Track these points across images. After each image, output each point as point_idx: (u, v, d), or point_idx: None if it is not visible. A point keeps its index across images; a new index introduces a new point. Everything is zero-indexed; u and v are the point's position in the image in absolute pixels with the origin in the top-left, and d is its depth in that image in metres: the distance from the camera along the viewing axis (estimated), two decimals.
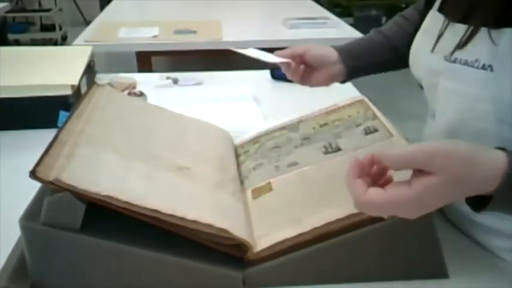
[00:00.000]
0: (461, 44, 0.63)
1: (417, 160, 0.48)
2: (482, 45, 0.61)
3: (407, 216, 0.51)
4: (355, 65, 0.87)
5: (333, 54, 0.86)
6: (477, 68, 0.61)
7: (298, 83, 0.87)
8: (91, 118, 0.68)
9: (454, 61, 0.64)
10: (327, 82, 0.88)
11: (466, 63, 0.62)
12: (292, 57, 0.84)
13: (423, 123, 0.77)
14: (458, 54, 0.63)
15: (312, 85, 0.87)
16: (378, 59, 0.90)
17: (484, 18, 0.61)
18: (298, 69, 0.84)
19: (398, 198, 0.49)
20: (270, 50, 0.87)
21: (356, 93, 1.13)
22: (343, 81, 0.90)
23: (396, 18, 0.94)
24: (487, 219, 0.66)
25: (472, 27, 0.62)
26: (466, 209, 0.68)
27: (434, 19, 0.72)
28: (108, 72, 1.40)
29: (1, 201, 0.78)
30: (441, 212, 0.73)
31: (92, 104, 0.71)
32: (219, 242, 0.57)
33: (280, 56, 0.85)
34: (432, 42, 0.69)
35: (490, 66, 0.59)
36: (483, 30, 0.61)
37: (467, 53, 0.62)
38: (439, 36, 0.69)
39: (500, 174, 0.49)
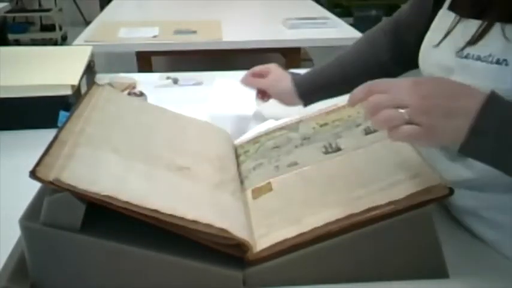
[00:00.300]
0: (474, 40, 0.64)
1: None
2: (494, 40, 0.62)
3: (412, 111, 0.52)
4: (310, 99, 0.99)
5: (291, 91, 0.98)
6: (490, 62, 0.62)
7: None
8: (91, 118, 0.68)
9: (466, 57, 0.65)
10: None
11: (478, 59, 0.63)
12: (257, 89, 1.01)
13: None
14: (470, 50, 0.64)
15: None
16: (330, 93, 0.99)
17: (498, 14, 0.62)
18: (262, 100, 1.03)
19: (398, 81, 0.55)
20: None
21: None
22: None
23: (361, 43, 0.99)
24: (490, 212, 0.67)
25: (485, 23, 0.63)
26: (470, 203, 0.68)
27: (444, 17, 0.72)
28: (108, 72, 1.40)
29: (1, 201, 0.78)
30: (444, 207, 0.73)
31: (92, 104, 0.71)
32: (219, 242, 0.57)
33: (245, 84, 1.02)
34: (446, 40, 0.70)
35: (505, 60, 0.60)
36: (496, 26, 0.62)
37: (478, 49, 0.63)
38: (448, 33, 0.69)
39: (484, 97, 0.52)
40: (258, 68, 1.03)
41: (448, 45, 0.69)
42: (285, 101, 1.01)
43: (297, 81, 0.98)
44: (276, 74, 1.01)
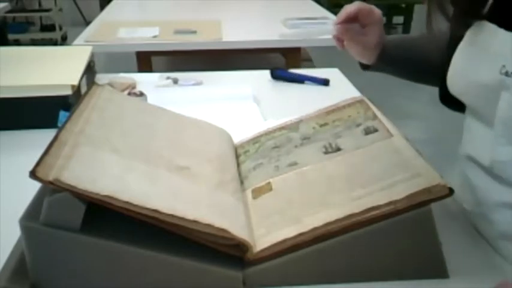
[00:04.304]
0: None
1: None
2: None
3: None
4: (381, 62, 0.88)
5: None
6: None
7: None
8: (91, 118, 0.68)
9: None
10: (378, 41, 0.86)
11: None
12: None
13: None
14: None
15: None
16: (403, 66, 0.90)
17: None
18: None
19: None
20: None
21: (356, 93, 1.13)
22: (366, 67, 0.91)
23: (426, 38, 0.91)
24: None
25: None
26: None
27: (484, 32, 0.67)
28: (108, 72, 1.40)
29: (1, 201, 0.78)
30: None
31: (92, 104, 0.71)
32: (218, 242, 0.57)
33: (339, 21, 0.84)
34: (487, 56, 0.65)
35: None
36: None
37: None
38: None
39: None
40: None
41: (491, 64, 0.64)
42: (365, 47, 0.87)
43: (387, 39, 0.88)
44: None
